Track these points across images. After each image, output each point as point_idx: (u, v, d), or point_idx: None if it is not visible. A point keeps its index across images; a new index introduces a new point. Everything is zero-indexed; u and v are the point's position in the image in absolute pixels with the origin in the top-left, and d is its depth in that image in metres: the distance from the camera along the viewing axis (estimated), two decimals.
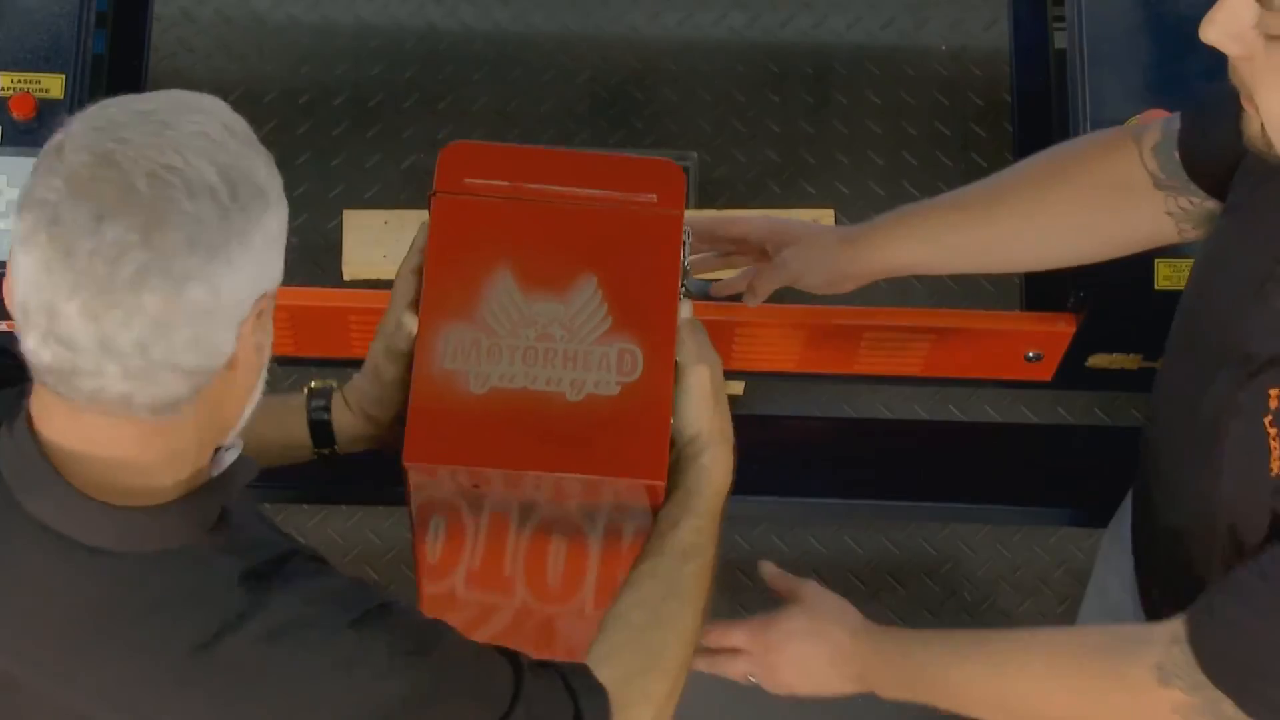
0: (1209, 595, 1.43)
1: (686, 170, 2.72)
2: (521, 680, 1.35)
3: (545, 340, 1.53)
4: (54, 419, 1.22)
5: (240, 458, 1.31)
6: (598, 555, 1.67)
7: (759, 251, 1.79)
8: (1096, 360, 2.06)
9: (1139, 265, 1.81)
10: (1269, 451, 1.37)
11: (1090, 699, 1.49)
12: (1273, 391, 1.38)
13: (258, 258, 1.20)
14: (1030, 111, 2.28)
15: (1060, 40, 2.18)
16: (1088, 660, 1.49)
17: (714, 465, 1.53)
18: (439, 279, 1.55)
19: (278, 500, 2.47)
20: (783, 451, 2.08)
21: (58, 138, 1.19)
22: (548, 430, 1.50)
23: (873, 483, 2.08)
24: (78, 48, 2.06)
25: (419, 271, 1.54)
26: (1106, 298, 1.97)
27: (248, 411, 1.29)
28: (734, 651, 1.64)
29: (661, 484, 1.51)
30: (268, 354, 1.28)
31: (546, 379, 1.52)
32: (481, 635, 1.50)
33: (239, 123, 1.22)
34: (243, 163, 1.19)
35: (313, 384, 1.64)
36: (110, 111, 1.19)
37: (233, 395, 1.26)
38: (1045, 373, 2.08)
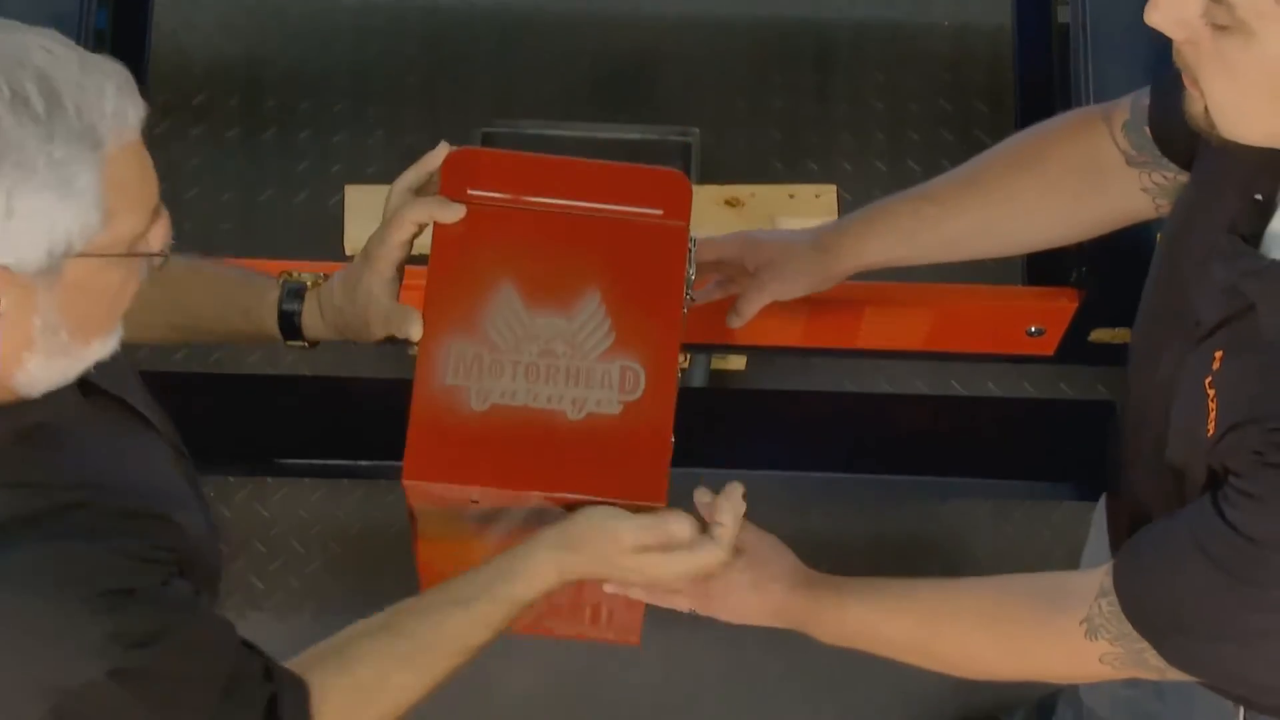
0: (1134, 544, 1.47)
1: (689, 146, 2.72)
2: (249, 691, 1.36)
3: (548, 357, 1.52)
4: None
5: (28, 400, 1.27)
6: None
7: (737, 270, 1.79)
8: (1099, 335, 2.06)
9: (1141, 239, 1.81)
10: (1207, 412, 1.39)
11: (1020, 648, 1.53)
12: (1217, 354, 1.40)
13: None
14: (1033, 88, 2.27)
15: (1063, 16, 2.17)
16: (1017, 611, 1.53)
17: (549, 569, 1.50)
18: (442, 290, 1.54)
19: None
20: (784, 426, 2.08)
21: None
22: (548, 450, 1.50)
23: (874, 458, 2.08)
24: (81, 22, 2.07)
25: (413, 189, 1.55)
26: (1109, 272, 1.97)
27: (23, 377, 1.25)
28: (675, 590, 1.65)
29: (661, 506, 1.51)
30: (49, 348, 1.24)
31: (548, 397, 1.52)
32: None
33: (60, 96, 1.17)
34: None
35: (291, 274, 1.62)
36: None
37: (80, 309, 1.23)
38: (1047, 347, 2.08)
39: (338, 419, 2.04)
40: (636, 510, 1.50)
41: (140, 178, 1.24)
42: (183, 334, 1.69)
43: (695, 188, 2.58)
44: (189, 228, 2.76)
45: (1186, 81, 1.31)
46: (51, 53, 1.18)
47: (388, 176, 2.78)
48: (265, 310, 1.61)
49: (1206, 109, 1.30)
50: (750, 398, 2.34)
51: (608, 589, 1.64)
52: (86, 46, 2.04)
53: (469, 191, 1.55)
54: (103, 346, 1.28)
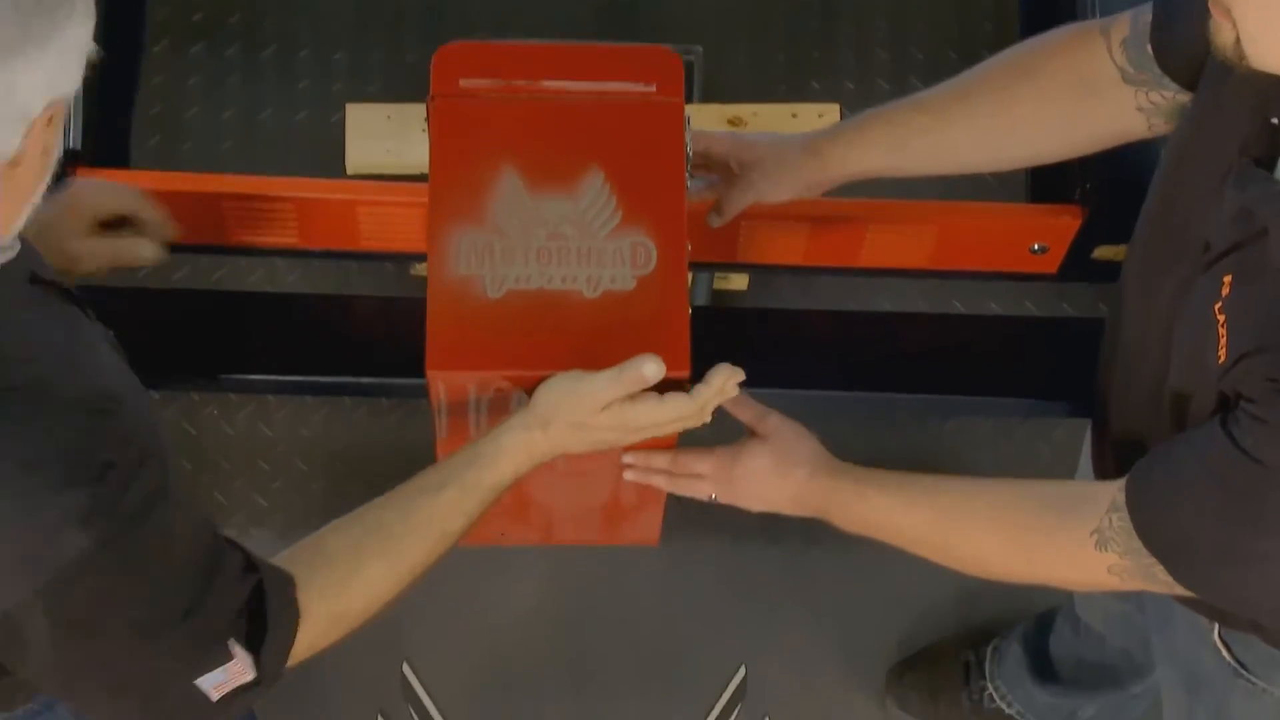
0: (1146, 462, 1.47)
1: (691, 65, 2.70)
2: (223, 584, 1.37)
3: (557, 239, 1.53)
4: None
5: (10, 262, 1.30)
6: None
7: (723, 168, 1.78)
8: (1102, 252, 2.05)
9: (1146, 157, 1.79)
10: (1218, 339, 1.39)
11: (1030, 553, 1.55)
12: (1226, 279, 1.39)
13: (55, 63, 1.20)
14: (1039, 6, 2.25)
15: None
16: (1031, 517, 1.54)
17: (518, 450, 1.51)
18: (445, 184, 1.54)
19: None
20: (785, 345, 2.08)
21: None
22: (568, 329, 1.51)
23: (876, 376, 2.08)
24: None
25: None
26: (1113, 189, 1.96)
27: (27, 211, 1.30)
28: (698, 475, 1.67)
29: (686, 375, 1.52)
30: (54, 159, 1.29)
31: (562, 278, 1.53)
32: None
33: None
34: None
35: None
36: None
37: (13, 192, 1.26)
38: (1050, 265, 2.08)
39: (342, 337, 2.04)
40: (663, 386, 1.50)
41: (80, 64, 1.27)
42: None
43: (697, 107, 2.59)
44: (189, 147, 2.75)
45: (1217, 12, 1.29)
46: None
47: (389, 95, 2.80)
48: None
49: (1238, 39, 1.28)
50: (751, 317, 2.34)
51: (628, 476, 1.67)
52: None
53: (462, 82, 1.56)
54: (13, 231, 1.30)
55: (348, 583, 1.46)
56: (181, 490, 1.37)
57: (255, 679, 1.40)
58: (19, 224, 1.30)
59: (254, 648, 1.39)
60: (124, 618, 1.33)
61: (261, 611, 1.40)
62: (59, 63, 1.21)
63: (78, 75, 1.24)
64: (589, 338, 1.51)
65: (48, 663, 1.34)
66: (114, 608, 1.32)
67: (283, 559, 1.46)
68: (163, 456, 1.39)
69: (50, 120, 1.24)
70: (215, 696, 1.38)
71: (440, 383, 1.53)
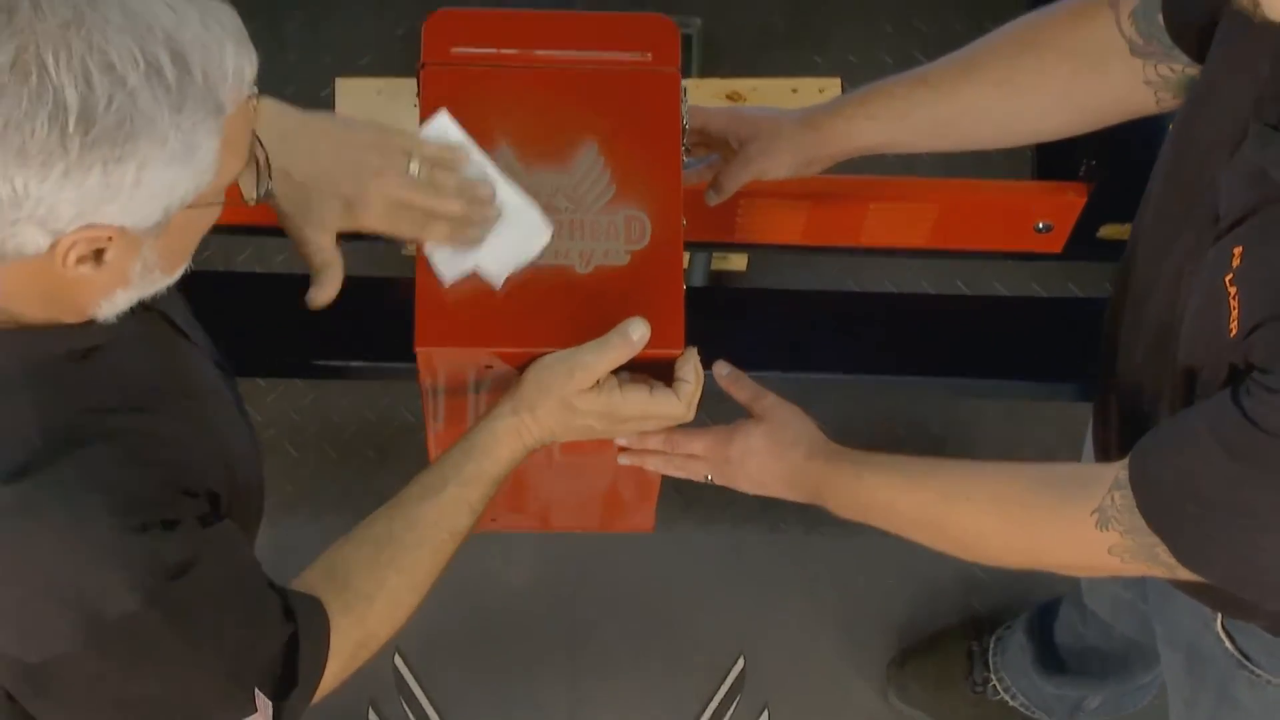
0: (1151, 437, 1.46)
1: (689, 37, 2.67)
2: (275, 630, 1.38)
3: (550, 212, 1.51)
4: None
5: (94, 323, 1.29)
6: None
7: (721, 144, 1.76)
8: (1108, 231, 2.03)
9: (1152, 132, 1.77)
10: (1229, 311, 1.37)
11: (1031, 534, 1.53)
12: (1236, 250, 1.37)
13: (95, 192, 1.16)
14: None
15: None
16: (1031, 496, 1.52)
17: (510, 435, 1.50)
18: None
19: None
20: (786, 326, 2.06)
21: None
22: (559, 305, 1.49)
23: (879, 357, 2.07)
24: None
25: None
26: (1118, 166, 1.93)
27: (109, 306, 1.28)
28: (693, 456, 1.66)
29: (679, 352, 1.50)
30: (140, 284, 1.26)
31: (555, 252, 1.51)
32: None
33: (188, 62, 1.17)
34: (124, 100, 1.14)
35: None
36: None
37: (77, 287, 1.25)
38: (1055, 244, 2.06)
39: (332, 319, 2.01)
40: (655, 363, 1.49)
41: (246, 128, 1.26)
42: None
43: (695, 82, 2.56)
44: None
45: None
46: (174, 9, 1.18)
47: (380, 68, 2.77)
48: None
49: None
50: (751, 297, 2.32)
51: (622, 459, 1.66)
52: None
53: (453, 50, 1.53)
54: (179, 273, 1.31)
55: (371, 605, 1.46)
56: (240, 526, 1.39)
57: None
58: (104, 314, 1.29)
59: (279, 696, 1.39)
60: (160, 673, 1.33)
61: (293, 661, 1.40)
62: (105, 193, 1.17)
63: (146, 213, 1.20)
64: (581, 313, 1.49)
65: (76, 713, 1.34)
66: (152, 663, 1.32)
67: (302, 586, 1.45)
68: (252, 486, 1.42)
69: (96, 247, 1.20)
70: None
71: (430, 361, 1.51)
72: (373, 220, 1.48)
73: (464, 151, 1.50)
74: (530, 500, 1.81)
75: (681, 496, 2.50)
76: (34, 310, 1.27)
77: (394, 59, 2.73)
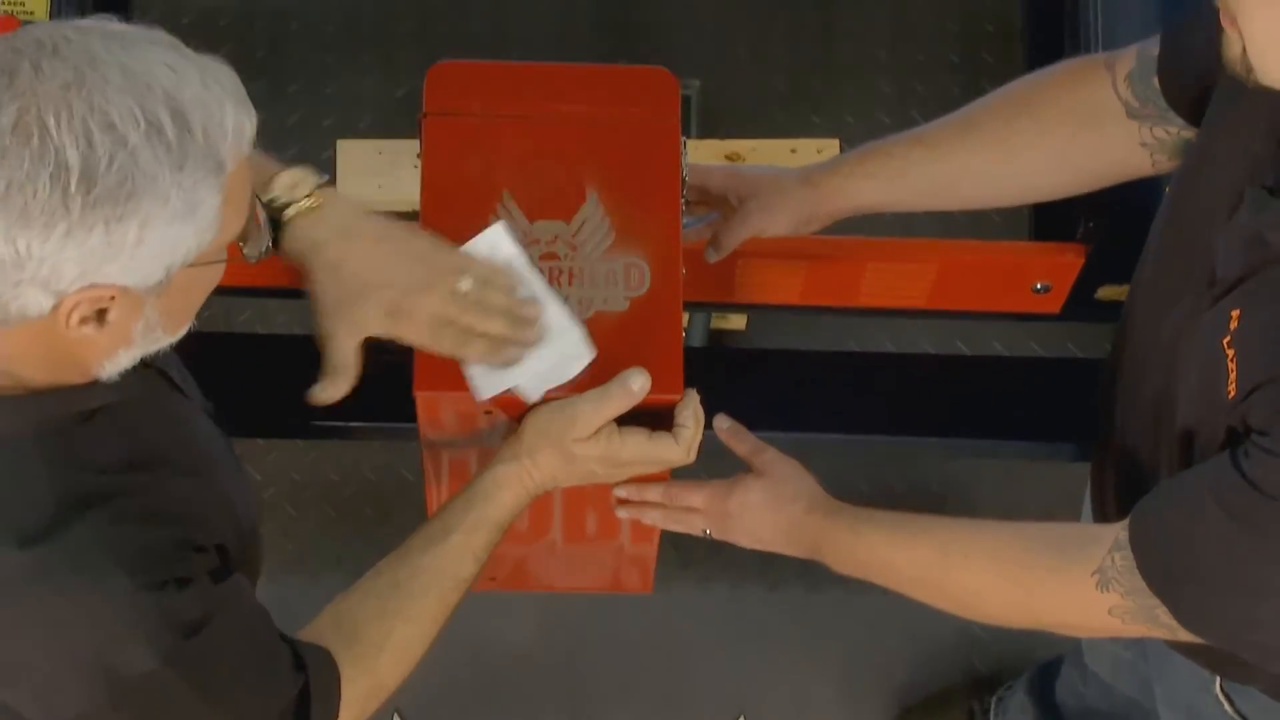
0: (1151, 499, 1.45)
1: (688, 98, 2.68)
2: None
3: (550, 259, 1.52)
4: None
5: (98, 383, 1.29)
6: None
7: (720, 201, 1.76)
8: (1106, 292, 2.03)
9: (1148, 193, 1.78)
10: (1227, 373, 1.37)
11: (1030, 593, 1.52)
12: (1234, 312, 1.38)
13: (97, 251, 1.17)
14: (1042, 37, 2.23)
15: None
16: (1031, 556, 1.52)
17: (512, 482, 1.51)
18: (437, 203, 1.53)
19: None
20: (785, 385, 2.06)
21: (33, 27, 1.18)
22: None
23: (877, 418, 2.06)
24: None
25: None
26: (1116, 227, 1.93)
27: (111, 366, 1.29)
28: (692, 509, 1.66)
29: (678, 398, 1.50)
30: (143, 343, 1.27)
31: None
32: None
33: (189, 121, 1.18)
34: (125, 159, 1.15)
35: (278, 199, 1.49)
36: (71, 33, 1.17)
37: (80, 348, 1.25)
38: (1053, 305, 2.06)
39: (372, 380, 2.02)
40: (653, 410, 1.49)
41: (246, 185, 1.27)
42: None
43: (694, 143, 2.57)
44: None
45: (1225, 22, 1.27)
46: (174, 69, 1.19)
47: (381, 130, 2.78)
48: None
49: (1245, 51, 1.26)
50: (750, 357, 2.32)
51: (620, 512, 1.66)
52: None
53: (455, 101, 1.55)
54: (183, 332, 1.31)
55: (380, 654, 1.46)
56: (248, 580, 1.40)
57: None
58: (106, 373, 1.29)
59: None
60: None
61: (305, 712, 1.40)
62: (109, 252, 1.17)
63: (148, 272, 1.20)
64: None
65: None
66: (168, 717, 1.33)
67: (311, 637, 1.45)
68: (253, 540, 1.43)
69: (99, 308, 1.21)
70: None
71: (428, 406, 1.51)
72: (413, 333, 1.47)
73: (515, 267, 1.49)
74: (528, 558, 1.81)
75: (679, 555, 2.50)
76: (38, 372, 1.27)
77: (394, 120, 2.73)
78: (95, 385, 1.30)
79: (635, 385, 1.46)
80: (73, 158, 1.14)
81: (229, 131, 1.20)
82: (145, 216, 1.17)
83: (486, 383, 1.48)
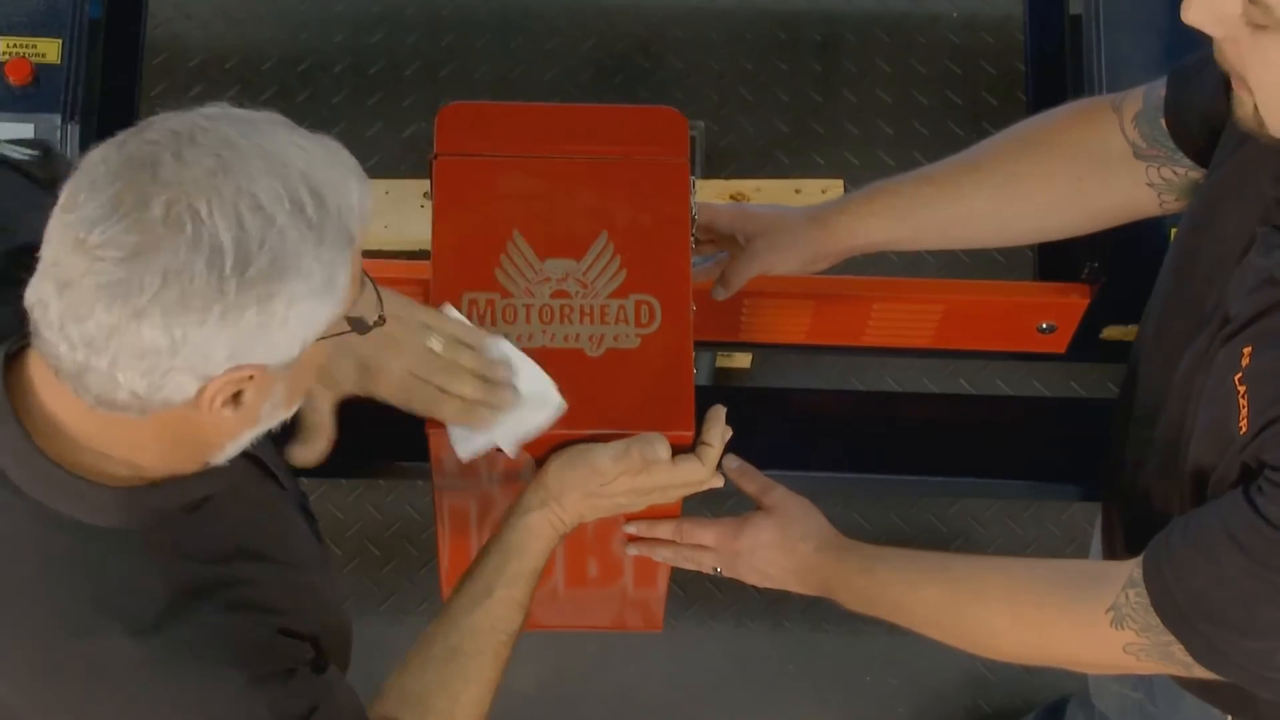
0: (1166, 534, 1.45)
1: (693, 140, 2.68)
2: None
3: (561, 297, 1.53)
4: (27, 367, 1.25)
5: (208, 471, 1.30)
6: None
7: (729, 240, 1.77)
8: (1111, 332, 2.03)
9: (1154, 234, 1.78)
10: (1238, 410, 1.37)
11: (1043, 630, 1.51)
12: (1246, 350, 1.38)
13: (248, 332, 1.17)
14: (1044, 79, 2.25)
15: (1075, 5, 2.15)
16: (1044, 595, 1.51)
17: (543, 529, 1.52)
18: (448, 243, 1.53)
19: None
20: (789, 425, 2.05)
21: (160, 119, 1.19)
22: (571, 389, 1.49)
23: (881, 457, 2.05)
24: (74, 12, 2.03)
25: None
26: (1122, 268, 1.94)
27: (231, 448, 1.29)
28: (702, 547, 1.66)
29: (690, 435, 1.50)
30: (265, 421, 1.27)
31: (565, 336, 1.52)
32: None
33: (324, 198, 1.19)
34: (275, 238, 1.16)
35: None
36: (203, 121, 1.18)
37: (209, 431, 1.26)
38: (1058, 345, 2.06)
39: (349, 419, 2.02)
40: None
41: (359, 257, 1.27)
42: None
43: (700, 183, 2.57)
44: None
45: (1234, 83, 1.29)
46: (304, 149, 1.20)
47: (387, 170, 2.79)
48: None
49: (1256, 109, 1.27)
50: (755, 396, 2.32)
51: (631, 550, 1.66)
52: (80, 35, 2.04)
53: (465, 141, 1.55)
54: (296, 407, 1.31)
55: (455, 718, 1.47)
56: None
57: None
58: (224, 456, 1.29)
59: None
60: None
61: None
62: (256, 333, 1.18)
63: (288, 347, 1.21)
64: (593, 397, 1.50)
65: None
66: None
67: (381, 717, 1.46)
68: (344, 626, 1.43)
69: (239, 388, 1.21)
70: None
71: (441, 444, 1.51)
72: (385, 390, 1.49)
73: (484, 331, 1.50)
74: (538, 597, 1.80)
75: (685, 594, 2.49)
76: (157, 460, 1.27)
77: (401, 161, 2.74)
78: (203, 474, 1.30)
79: (659, 453, 1.48)
80: (227, 241, 1.14)
81: (355, 205, 1.21)
82: (292, 294, 1.17)
83: (466, 445, 1.49)
